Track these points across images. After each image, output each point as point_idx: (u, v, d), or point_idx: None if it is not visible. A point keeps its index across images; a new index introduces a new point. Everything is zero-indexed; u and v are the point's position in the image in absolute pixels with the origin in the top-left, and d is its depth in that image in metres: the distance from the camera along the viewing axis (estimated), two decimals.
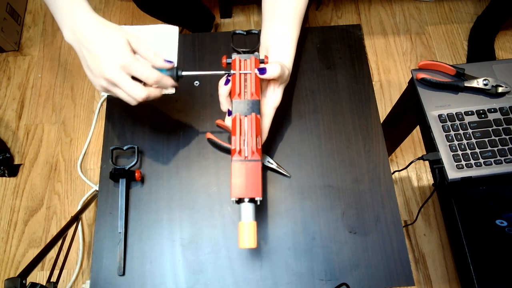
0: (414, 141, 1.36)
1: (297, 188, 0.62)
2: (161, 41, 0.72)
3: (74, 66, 1.50)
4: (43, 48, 1.53)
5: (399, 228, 0.59)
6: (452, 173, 0.64)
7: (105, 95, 0.69)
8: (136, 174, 0.60)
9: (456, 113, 0.67)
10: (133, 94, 0.50)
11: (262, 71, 0.52)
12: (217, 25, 1.57)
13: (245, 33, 0.58)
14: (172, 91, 0.68)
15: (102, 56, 0.48)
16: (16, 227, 1.25)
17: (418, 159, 0.68)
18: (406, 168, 0.79)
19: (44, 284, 0.67)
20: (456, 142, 0.65)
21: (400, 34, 1.55)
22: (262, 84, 0.56)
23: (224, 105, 0.55)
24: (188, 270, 0.57)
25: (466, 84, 0.68)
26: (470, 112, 0.67)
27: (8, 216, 1.27)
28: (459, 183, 0.65)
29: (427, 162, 0.86)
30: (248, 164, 0.47)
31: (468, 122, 0.66)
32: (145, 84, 0.51)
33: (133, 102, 0.51)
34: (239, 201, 0.46)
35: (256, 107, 0.50)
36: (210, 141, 0.64)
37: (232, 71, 0.53)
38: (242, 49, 0.55)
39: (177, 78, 0.53)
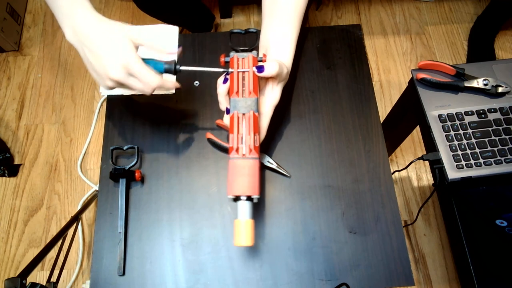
0: (414, 141, 1.36)
1: (297, 188, 0.62)
2: (161, 41, 0.72)
3: (74, 66, 1.50)
4: (43, 48, 1.53)
5: (399, 228, 0.59)
6: (452, 173, 0.64)
7: (105, 95, 0.69)
8: (136, 174, 0.60)
9: (456, 113, 0.67)
10: (149, 81, 0.49)
11: (260, 69, 0.52)
12: (217, 25, 1.57)
13: (243, 32, 0.58)
14: (172, 91, 0.69)
15: (105, 56, 0.48)
16: (16, 227, 1.25)
17: (418, 159, 0.68)
18: (406, 168, 0.79)
19: (44, 284, 0.67)
20: (456, 142, 0.65)
21: (400, 34, 1.55)
22: (260, 83, 0.56)
23: (223, 104, 0.55)
24: (188, 270, 0.57)
25: (466, 84, 0.68)
26: (470, 112, 0.67)
27: (8, 216, 1.27)
28: (459, 183, 0.65)
29: (427, 162, 0.86)
30: (245, 162, 0.47)
31: (468, 122, 0.66)
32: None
33: (149, 87, 0.50)
34: (236, 198, 0.46)
35: (254, 105, 0.50)
36: (210, 141, 0.64)
37: (230, 69, 0.53)
38: (240, 48, 0.55)
39: (175, 72, 0.53)
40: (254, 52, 0.54)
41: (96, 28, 0.49)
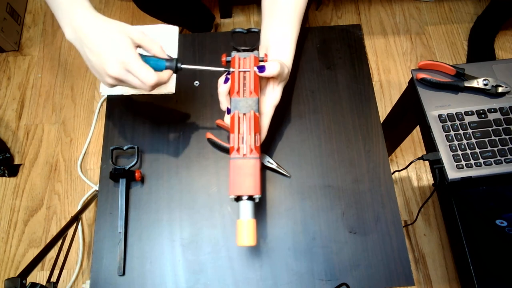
0: (414, 141, 1.36)
1: (297, 188, 0.62)
2: (161, 41, 0.72)
3: (74, 66, 1.50)
4: (43, 48, 1.53)
5: (399, 228, 0.59)
6: (452, 173, 0.64)
7: (105, 95, 0.69)
8: (136, 174, 0.60)
9: (456, 113, 0.67)
10: (145, 79, 0.49)
11: (261, 69, 0.52)
12: (217, 25, 1.57)
13: (245, 31, 0.58)
14: (172, 91, 0.69)
15: (104, 55, 0.48)
16: (16, 227, 1.25)
17: (418, 159, 0.68)
18: (406, 168, 0.79)
19: (44, 284, 0.67)
20: (456, 142, 0.65)
21: (400, 34, 1.55)
22: (261, 83, 0.56)
23: (224, 104, 0.55)
24: (188, 270, 0.57)
25: (466, 84, 0.68)
26: (470, 112, 0.67)
27: (8, 216, 1.27)
28: (459, 183, 0.65)
29: (427, 162, 0.86)
30: (246, 162, 0.47)
31: (468, 122, 0.66)
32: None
33: (146, 84, 0.50)
34: (238, 198, 0.46)
35: (255, 105, 0.50)
36: (210, 141, 0.64)
37: (231, 69, 0.53)
38: (241, 48, 0.55)
39: (176, 70, 0.53)
40: (256, 52, 0.54)
41: (95, 27, 0.49)
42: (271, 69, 0.52)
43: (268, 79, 0.56)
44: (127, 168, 0.60)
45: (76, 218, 0.96)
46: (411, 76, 0.73)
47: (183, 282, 0.56)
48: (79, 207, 1.26)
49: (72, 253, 1.20)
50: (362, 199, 0.61)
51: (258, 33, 0.59)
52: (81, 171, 1.32)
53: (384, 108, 1.41)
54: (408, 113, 0.82)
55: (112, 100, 0.68)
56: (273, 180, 0.62)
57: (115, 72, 0.48)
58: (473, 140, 0.65)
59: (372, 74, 1.45)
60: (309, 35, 0.74)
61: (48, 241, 0.81)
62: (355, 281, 0.56)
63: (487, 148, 0.65)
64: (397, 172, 1.13)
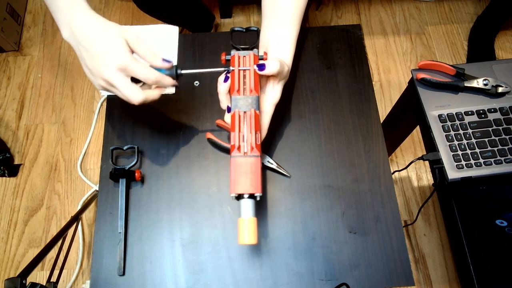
0: (414, 141, 1.36)
1: (297, 188, 0.62)
2: (161, 41, 0.72)
3: (74, 66, 1.50)
4: (43, 48, 1.53)
5: (399, 228, 0.59)
6: (452, 173, 0.64)
7: (105, 95, 0.69)
8: (136, 174, 0.60)
9: (456, 113, 0.67)
10: (130, 97, 0.49)
11: (261, 67, 0.52)
12: (217, 25, 1.57)
13: (244, 30, 0.58)
14: (172, 91, 0.69)
15: (100, 57, 0.48)
16: (16, 227, 1.25)
17: (418, 159, 0.68)
18: (406, 168, 0.79)
19: (44, 284, 0.67)
20: (456, 142, 0.65)
21: (400, 34, 1.55)
22: (261, 81, 0.56)
23: (224, 103, 0.55)
24: (188, 270, 0.57)
25: (466, 84, 0.68)
26: (470, 112, 0.67)
27: (8, 216, 1.27)
28: (459, 183, 0.65)
29: (427, 162, 0.86)
30: (247, 160, 0.47)
31: (468, 122, 0.66)
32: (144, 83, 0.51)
33: (132, 102, 0.51)
34: (239, 197, 0.46)
35: (255, 103, 0.50)
36: (210, 141, 0.64)
37: (231, 68, 0.53)
38: (241, 46, 0.55)
39: (176, 76, 0.53)
40: (255, 50, 0.54)
41: (93, 28, 0.49)
42: (271, 67, 0.52)
43: (268, 77, 0.56)
44: (127, 168, 0.60)
45: (76, 218, 0.96)
46: (411, 76, 0.73)
47: (183, 282, 0.56)
48: (79, 207, 1.26)
49: (72, 253, 1.20)
50: (362, 199, 0.61)
51: (257, 32, 0.59)
52: (81, 171, 1.32)
53: (384, 108, 1.41)
54: (408, 113, 0.82)
55: (112, 100, 0.68)
56: (273, 180, 0.62)
57: (110, 75, 0.48)
58: (473, 140, 0.65)
59: (372, 74, 1.45)
60: (309, 35, 0.74)
61: (48, 241, 0.81)
62: (355, 281, 0.56)
63: (487, 148, 0.65)
64: (397, 172, 1.13)
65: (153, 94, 0.52)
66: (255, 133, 0.48)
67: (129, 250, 0.58)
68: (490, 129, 0.66)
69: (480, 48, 1.48)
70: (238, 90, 0.51)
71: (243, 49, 0.55)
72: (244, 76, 0.52)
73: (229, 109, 0.54)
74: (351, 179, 0.62)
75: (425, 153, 0.68)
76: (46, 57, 1.51)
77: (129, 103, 0.52)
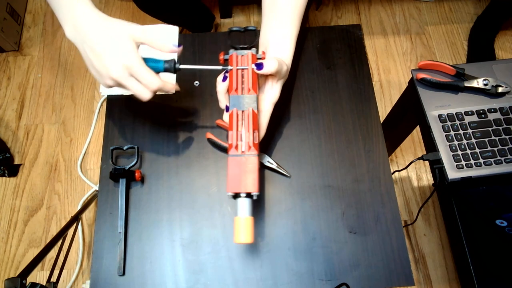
0: (414, 141, 1.36)
1: (297, 188, 0.62)
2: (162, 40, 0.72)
3: (74, 66, 1.50)
4: (43, 48, 1.53)
5: (399, 228, 0.59)
6: (452, 173, 0.64)
7: (105, 95, 0.69)
8: (136, 174, 0.60)
9: (456, 113, 0.67)
10: (149, 83, 0.49)
11: (259, 66, 0.52)
12: (217, 25, 1.57)
13: (242, 29, 0.58)
14: (172, 91, 0.69)
15: (106, 56, 0.48)
16: (16, 227, 1.25)
17: (418, 159, 0.68)
18: (406, 168, 0.79)
19: (44, 284, 0.67)
20: (456, 142, 0.65)
21: (400, 34, 1.55)
22: (260, 80, 0.56)
23: (222, 102, 0.55)
24: (188, 270, 0.57)
25: (466, 84, 0.68)
26: (470, 112, 0.67)
27: (8, 216, 1.27)
28: (459, 183, 0.65)
29: (427, 162, 0.86)
30: (244, 159, 0.47)
31: (468, 122, 0.66)
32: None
33: (146, 95, 0.51)
34: (236, 196, 0.46)
35: (253, 102, 0.50)
36: (210, 141, 0.64)
37: (229, 67, 0.53)
38: (239, 46, 0.55)
39: (175, 70, 0.53)
40: (254, 49, 0.54)
41: (97, 26, 0.48)
42: (269, 67, 0.52)
43: (266, 76, 0.56)
44: (127, 168, 0.60)
45: (76, 218, 0.96)
46: (411, 76, 0.73)
47: (183, 282, 0.56)
48: (79, 207, 1.26)
49: (72, 253, 1.20)
50: (362, 199, 0.61)
51: (255, 32, 0.59)
52: (81, 171, 1.32)
53: (384, 108, 1.41)
54: (408, 113, 0.82)
55: (112, 100, 0.68)
56: (273, 180, 0.62)
57: (118, 75, 0.48)
58: (473, 140, 0.65)
59: (372, 74, 1.45)
60: (309, 35, 0.74)
61: (48, 241, 0.81)
62: (355, 281, 0.56)
63: (487, 148, 0.65)
64: (397, 172, 1.13)
65: (168, 85, 0.51)
66: (253, 132, 0.48)
67: (129, 250, 0.58)
68: (490, 129, 0.66)
69: (480, 48, 1.48)
70: (236, 89, 0.51)
71: (242, 48, 0.55)
72: (242, 76, 0.52)
73: (227, 109, 0.54)
74: (351, 179, 0.62)
75: (425, 153, 0.68)
76: (46, 57, 1.51)
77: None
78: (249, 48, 0.55)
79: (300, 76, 0.70)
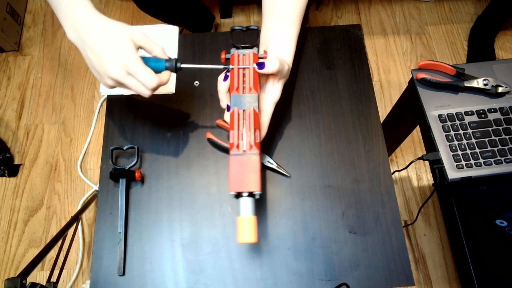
0: (414, 141, 1.36)
1: (297, 188, 0.62)
2: (161, 41, 0.72)
3: (74, 66, 1.50)
4: (43, 48, 1.53)
5: (399, 228, 0.59)
6: (452, 173, 0.64)
7: (105, 95, 0.69)
8: (136, 174, 0.60)
9: (456, 113, 0.67)
10: (146, 82, 0.49)
11: (261, 65, 0.52)
12: (217, 25, 1.57)
13: (244, 29, 0.58)
14: (172, 90, 0.69)
15: (106, 56, 0.48)
16: (16, 227, 1.25)
17: (418, 159, 0.68)
18: (406, 168, 0.79)
19: (44, 284, 0.67)
20: (456, 142, 0.65)
21: (400, 34, 1.55)
22: (261, 79, 0.56)
23: (224, 102, 0.55)
24: (188, 270, 0.57)
25: (466, 84, 0.68)
26: (470, 112, 0.67)
27: (8, 216, 1.27)
28: (459, 183, 0.65)
29: (427, 162, 0.86)
30: (246, 158, 0.47)
31: (468, 122, 0.66)
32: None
33: (145, 92, 0.51)
34: (238, 195, 0.46)
35: (254, 102, 0.50)
36: (210, 141, 0.64)
37: (230, 66, 0.53)
38: (241, 45, 0.55)
39: (176, 70, 0.53)
40: (255, 49, 0.54)
41: (97, 27, 0.49)
42: (270, 66, 0.52)
43: (268, 76, 0.56)
44: (127, 168, 0.60)
45: (76, 218, 0.96)
46: (411, 76, 0.73)
47: (183, 282, 0.56)
48: (79, 207, 1.26)
49: (72, 253, 1.20)
50: (362, 199, 0.61)
51: (257, 31, 0.59)
52: (81, 171, 1.32)
53: (384, 108, 1.41)
54: (408, 113, 0.82)
55: (112, 100, 0.68)
56: (273, 180, 0.62)
57: (116, 74, 0.48)
58: (473, 140, 0.65)
59: (372, 74, 1.45)
60: (309, 35, 0.74)
61: (48, 241, 0.81)
62: (355, 281, 0.56)
63: (487, 148, 0.65)
64: (397, 172, 1.13)
65: (162, 78, 0.52)
66: (254, 131, 0.48)
67: (129, 250, 0.58)
68: (490, 129, 0.66)
69: (480, 48, 1.48)
70: (238, 89, 0.51)
71: (243, 47, 0.55)
72: (244, 75, 0.52)
73: (228, 108, 0.54)
74: (351, 179, 0.62)
75: (425, 153, 0.68)
76: (46, 57, 1.51)
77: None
78: (251, 48, 0.55)
79: (300, 76, 0.70)
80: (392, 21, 1.57)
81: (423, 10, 1.59)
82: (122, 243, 0.58)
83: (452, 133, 0.66)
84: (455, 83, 0.68)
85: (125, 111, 0.67)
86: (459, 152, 0.65)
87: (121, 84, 0.51)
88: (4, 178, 1.32)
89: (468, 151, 0.65)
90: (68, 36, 0.50)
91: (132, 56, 0.48)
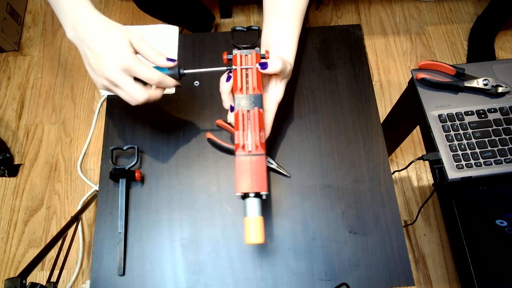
0: (414, 141, 1.36)
1: (297, 188, 0.62)
2: (161, 41, 0.72)
3: (74, 66, 1.50)
4: (43, 48, 1.53)
5: (399, 228, 0.59)
6: (452, 173, 0.64)
7: (105, 95, 0.69)
8: (136, 174, 0.60)
9: (456, 113, 0.67)
10: (134, 96, 0.50)
11: (264, 65, 0.52)
12: (217, 25, 1.57)
13: (245, 29, 0.58)
14: (172, 90, 0.69)
15: (104, 56, 0.48)
16: (16, 227, 1.25)
17: (418, 159, 0.68)
18: (406, 168, 0.79)
19: (44, 284, 0.67)
20: (456, 142, 0.65)
21: (400, 34, 1.55)
22: (263, 80, 0.56)
23: (226, 102, 0.55)
24: (188, 270, 0.57)
25: (466, 84, 0.68)
26: (470, 112, 0.67)
27: (8, 216, 1.27)
28: (459, 183, 0.65)
29: (427, 162, 0.86)
30: (252, 159, 0.46)
31: (468, 122, 0.67)
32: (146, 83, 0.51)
33: (133, 103, 0.51)
34: (244, 196, 0.46)
35: (258, 102, 0.50)
36: (210, 141, 0.64)
37: (233, 67, 0.53)
38: (242, 45, 0.55)
39: (179, 76, 0.53)
40: (257, 49, 0.54)
41: (96, 27, 0.49)
42: (273, 66, 0.52)
43: (270, 76, 0.56)
44: (127, 168, 0.60)
45: (76, 218, 0.96)
46: (411, 76, 0.73)
47: (183, 282, 0.56)
48: (79, 207, 1.26)
49: (72, 253, 1.20)
50: (362, 199, 0.61)
51: (258, 31, 0.59)
52: (81, 171, 1.32)
53: (384, 108, 1.41)
54: (408, 113, 0.82)
55: (112, 100, 0.68)
56: (273, 180, 0.62)
57: (113, 75, 0.48)
58: (473, 140, 0.65)
59: (372, 74, 1.45)
60: (309, 35, 0.74)
61: (48, 241, 0.81)
62: (355, 281, 0.56)
63: (487, 148, 0.65)
64: (397, 172, 1.13)
65: (155, 93, 0.52)
66: (259, 132, 0.48)
67: (129, 250, 0.58)
68: (490, 129, 0.66)
69: (480, 48, 1.48)
70: (241, 89, 0.51)
71: (245, 48, 0.55)
72: (247, 75, 0.52)
73: (232, 109, 0.54)
74: (351, 179, 0.62)
75: (425, 153, 0.68)
76: (46, 57, 1.51)
77: (129, 103, 0.52)
78: (252, 48, 0.54)
79: (300, 76, 0.70)
80: (392, 21, 1.57)
81: (423, 10, 1.59)
82: (122, 243, 0.58)
83: (452, 133, 0.66)
84: (455, 83, 0.68)
85: (125, 111, 0.67)
86: (459, 152, 0.65)
87: (115, 87, 0.50)
88: (4, 178, 1.32)
89: (468, 151, 0.65)
90: (68, 36, 0.50)
91: (130, 57, 0.49)
